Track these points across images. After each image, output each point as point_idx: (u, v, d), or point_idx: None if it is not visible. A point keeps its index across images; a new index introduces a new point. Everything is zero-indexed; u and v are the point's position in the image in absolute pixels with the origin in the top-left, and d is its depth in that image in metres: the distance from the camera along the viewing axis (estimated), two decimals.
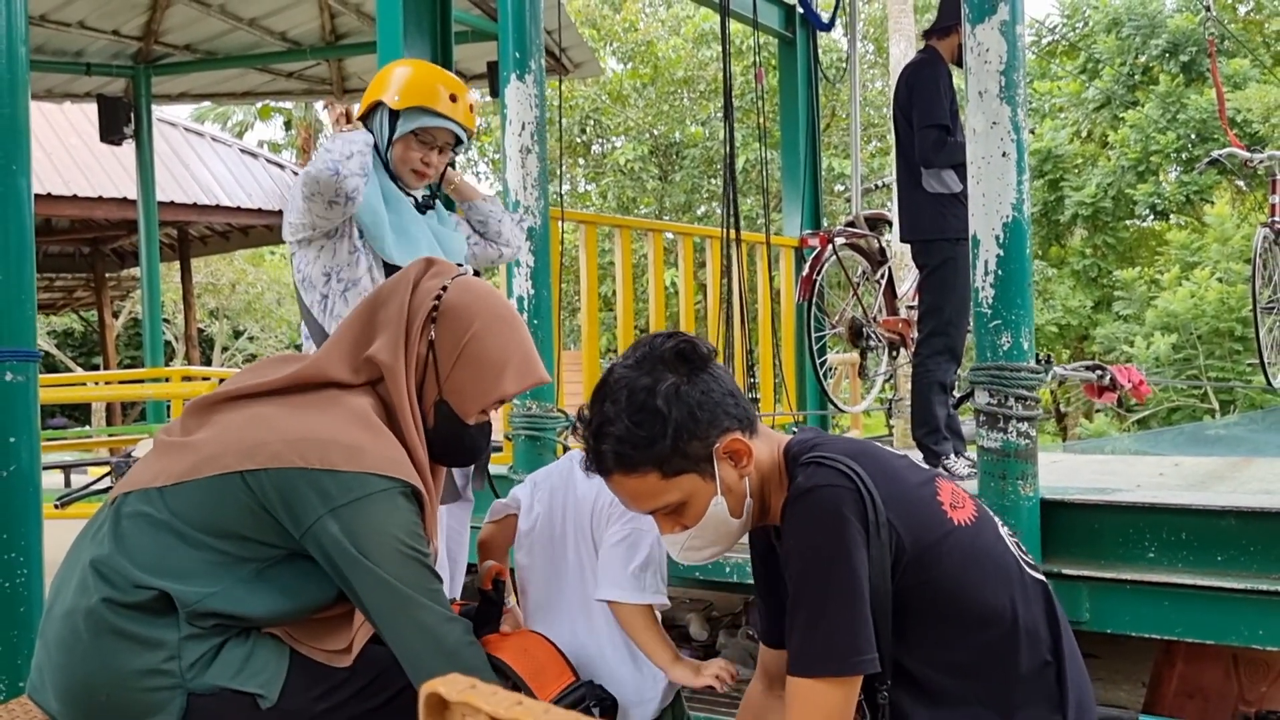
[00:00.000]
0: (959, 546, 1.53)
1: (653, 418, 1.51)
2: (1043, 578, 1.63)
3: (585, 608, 1.87)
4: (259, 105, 18.48)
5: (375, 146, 2.60)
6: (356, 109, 2.69)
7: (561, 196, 3.72)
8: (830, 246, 4.20)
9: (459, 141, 2.65)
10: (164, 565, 1.56)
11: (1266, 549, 2.12)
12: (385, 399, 1.71)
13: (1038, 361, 2.31)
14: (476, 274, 2.28)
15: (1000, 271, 2.25)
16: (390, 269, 2.56)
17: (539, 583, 1.93)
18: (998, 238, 2.24)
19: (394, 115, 2.57)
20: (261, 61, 7.23)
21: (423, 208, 2.67)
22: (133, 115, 7.16)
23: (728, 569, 2.73)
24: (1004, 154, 2.23)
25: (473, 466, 2.72)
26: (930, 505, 1.55)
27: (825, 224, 5.08)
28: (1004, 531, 1.63)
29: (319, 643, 1.67)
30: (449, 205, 2.80)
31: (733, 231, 3.84)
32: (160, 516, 1.58)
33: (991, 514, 1.65)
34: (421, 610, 1.58)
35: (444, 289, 1.75)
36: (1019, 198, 2.24)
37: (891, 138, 4.78)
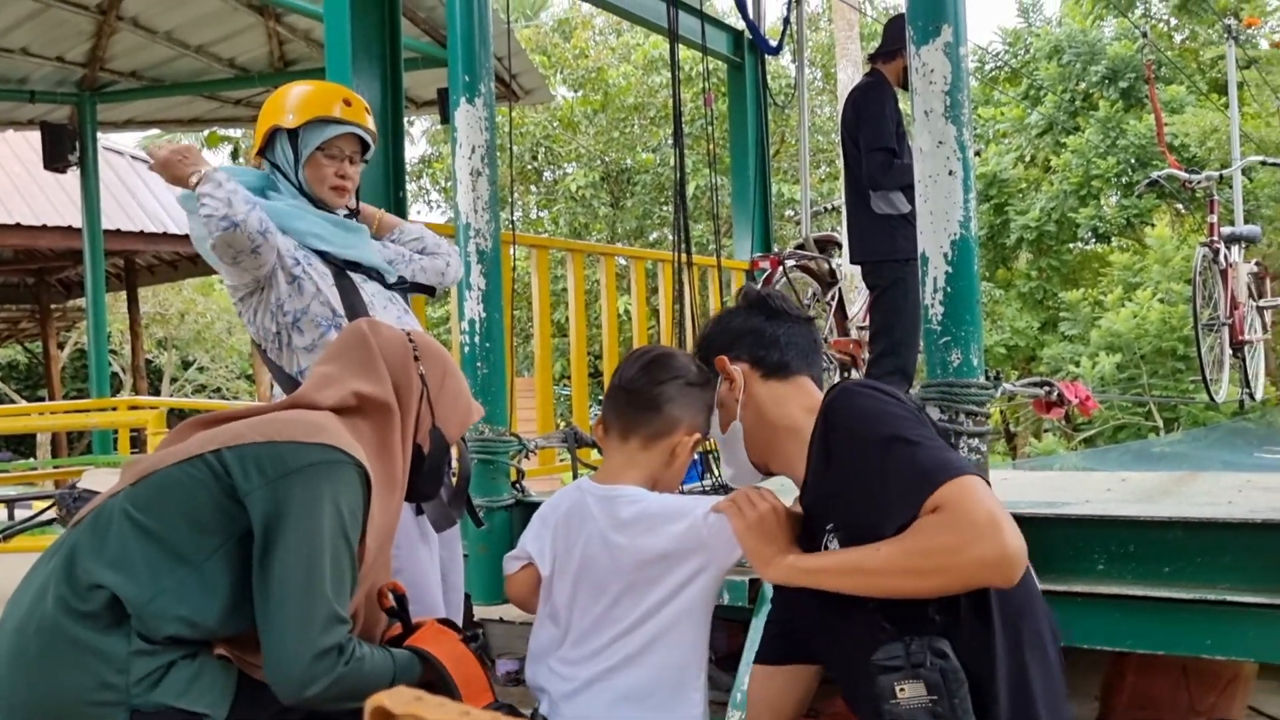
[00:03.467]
0: None
1: (701, 335, 1.93)
2: None
3: (631, 636, 1.78)
4: (206, 133, 18.30)
5: (285, 174, 2.58)
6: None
7: (514, 223, 3.72)
8: (781, 269, 4.24)
9: (366, 148, 2.64)
10: (121, 559, 1.58)
11: (1212, 559, 2.15)
12: (360, 428, 1.79)
13: (987, 378, 2.34)
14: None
15: (949, 289, 2.27)
16: (343, 281, 2.53)
17: (583, 618, 1.82)
18: (946, 255, 2.27)
19: (293, 137, 2.55)
20: (209, 88, 7.17)
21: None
22: (77, 143, 7.06)
23: None
24: (950, 172, 2.26)
25: (451, 492, 2.69)
26: None
27: (776, 247, 5.12)
28: None
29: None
30: None
31: (684, 255, 3.85)
32: (125, 509, 1.63)
33: None
34: (318, 601, 1.59)
35: (409, 336, 1.98)
36: (966, 215, 2.27)
37: (841, 162, 4.84)
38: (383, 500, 1.77)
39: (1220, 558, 2.13)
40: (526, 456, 3.13)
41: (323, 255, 2.57)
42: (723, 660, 2.89)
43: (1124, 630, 2.19)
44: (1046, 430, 13.77)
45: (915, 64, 2.31)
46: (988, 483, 1.50)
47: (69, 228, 9.07)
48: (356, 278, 2.61)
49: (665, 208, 15.54)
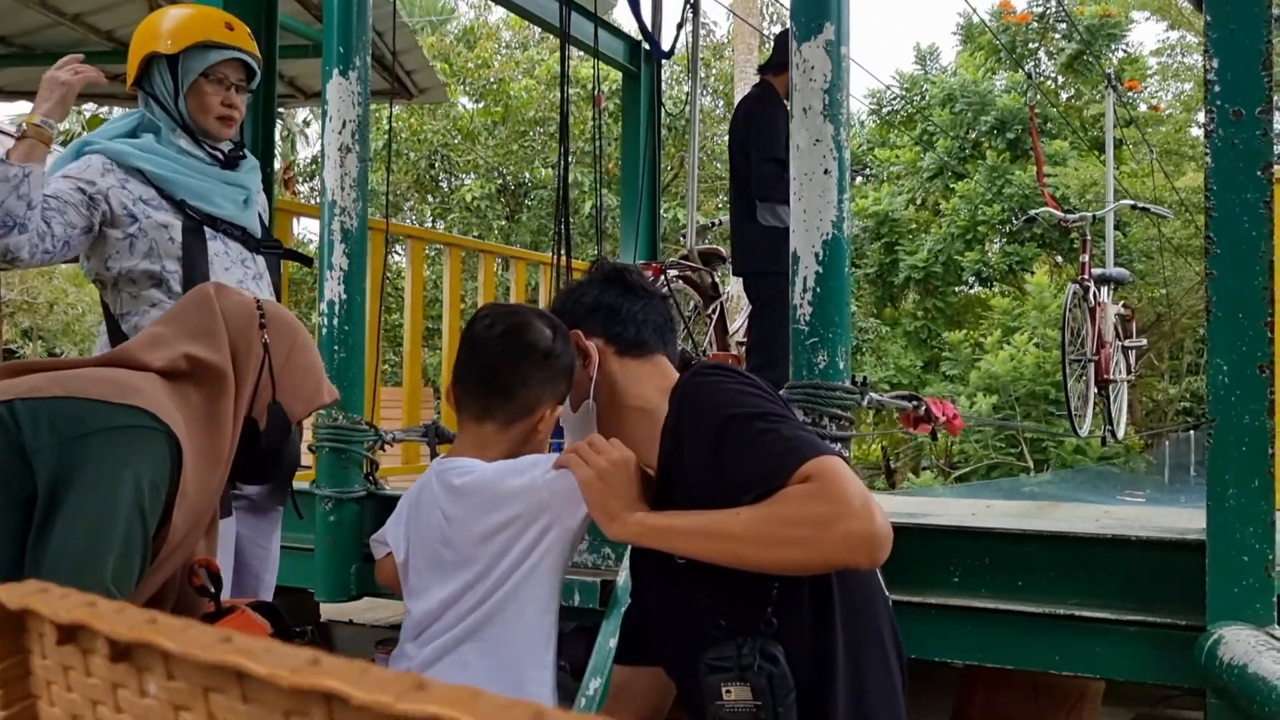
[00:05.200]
0: None
1: (553, 306, 1.83)
2: None
3: (479, 628, 1.65)
4: (88, 116, 17.61)
5: (162, 105, 2.44)
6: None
7: (388, 211, 3.59)
8: (662, 278, 4.18)
9: (251, 75, 2.52)
10: None
11: (1065, 574, 2.14)
12: (189, 394, 1.65)
13: (853, 383, 2.30)
14: None
15: (819, 289, 2.23)
16: (190, 237, 2.39)
17: (423, 604, 1.71)
18: (817, 255, 2.23)
19: (172, 64, 2.41)
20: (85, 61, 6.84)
21: (232, 161, 2.53)
22: None
23: None
24: (825, 171, 2.23)
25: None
26: None
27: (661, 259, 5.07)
28: None
29: None
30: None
31: (564, 258, 3.77)
32: None
33: None
34: (91, 582, 1.42)
35: (258, 303, 1.83)
36: (839, 215, 2.23)
37: None
38: (200, 474, 1.62)
39: (1072, 573, 2.13)
40: (383, 449, 3.00)
41: (181, 203, 2.42)
42: (579, 672, 2.80)
43: (975, 643, 2.17)
44: (925, 468, 14.06)
45: (796, 60, 2.27)
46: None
47: None
48: (211, 234, 2.46)
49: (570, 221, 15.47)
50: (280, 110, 15.49)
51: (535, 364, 1.69)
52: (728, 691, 1.38)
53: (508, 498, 1.61)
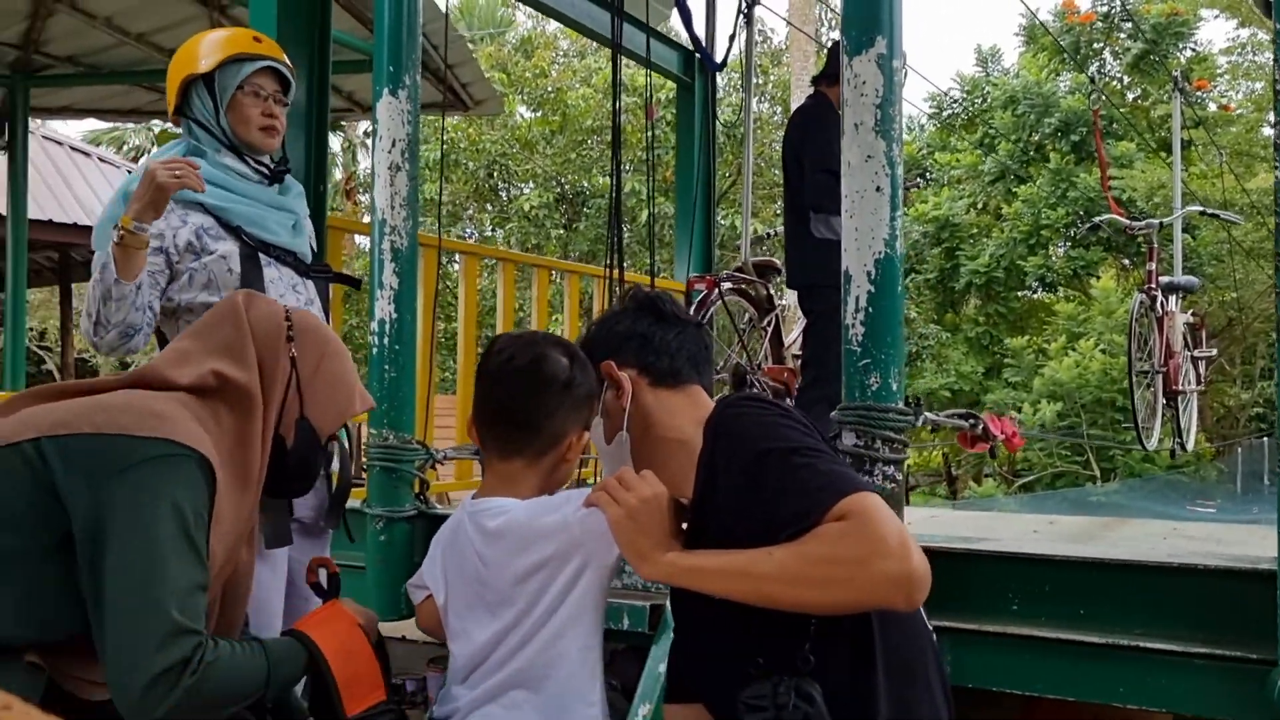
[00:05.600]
0: None
1: (586, 335, 1.79)
2: None
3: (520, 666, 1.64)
4: (158, 130, 18.02)
5: (205, 128, 2.48)
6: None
7: (440, 223, 3.60)
8: (716, 290, 4.14)
9: (287, 86, 2.56)
10: None
11: (1127, 602, 2.07)
12: (218, 413, 1.62)
13: (907, 404, 2.25)
14: None
15: (870, 309, 2.18)
16: (248, 265, 2.42)
17: (467, 647, 1.70)
18: (869, 274, 2.18)
19: (209, 84, 2.45)
20: (149, 79, 6.95)
21: (277, 175, 2.56)
22: (6, 126, 6.81)
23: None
24: (878, 188, 2.18)
25: (326, 503, 2.56)
26: None
27: (716, 270, 5.04)
28: None
29: (86, 672, 1.48)
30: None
31: (617, 270, 3.75)
32: None
33: None
34: (155, 616, 1.40)
35: (287, 312, 1.78)
36: (892, 234, 2.18)
37: None
38: (233, 498, 1.59)
39: (1136, 602, 2.05)
40: (434, 467, 3.00)
41: (237, 230, 2.45)
42: (631, 692, 2.77)
43: (1034, 673, 2.10)
44: (987, 475, 13.83)
45: (847, 75, 2.23)
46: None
47: (1, 216, 8.80)
48: (266, 260, 2.49)
49: (622, 229, 15.48)
50: (341, 124, 15.71)
51: (556, 395, 1.67)
52: None
53: (541, 537, 1.59)
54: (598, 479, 3.90)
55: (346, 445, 2.61)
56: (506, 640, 1.63)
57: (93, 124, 18.84)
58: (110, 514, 1.43)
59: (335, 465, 2.50)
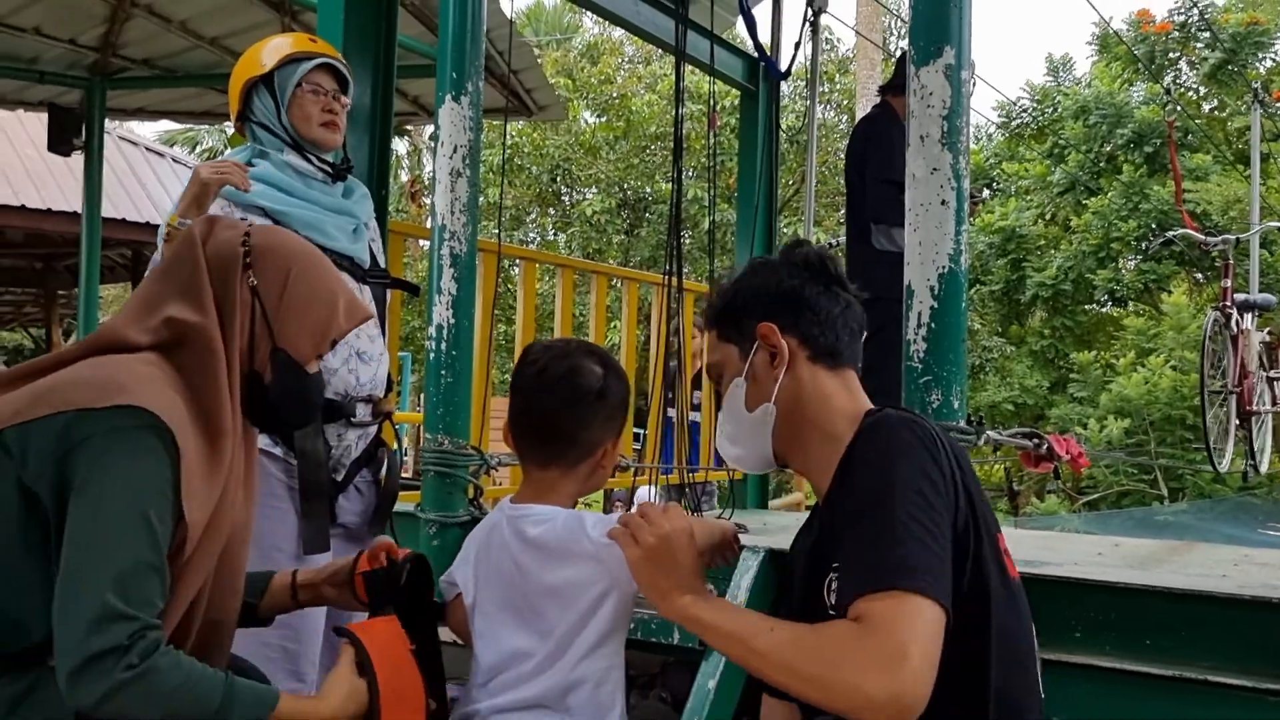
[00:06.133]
0: (1007, 598, 1.41)
1: (734, 281, 1.62)
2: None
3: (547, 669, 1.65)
4: (230, 132, 18.36)
5: (269, 129, 2.52)
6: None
7: (500, 230, 3.61)
8: None
9: (344, 84, 2.61)
10: None
11: (1199, 634, 1.99)
12: (183, 364, 1.52)
13: (969, 422, 2.20)
14: None
15: (933, 325, 2.14)
16: None
17: (492, 652, 1.70)
18: (932, 289, 2.14)
19: (269, 85, 2.49)
20: (221, 82, 7.07)
21: (339, 173, 2.59)
22: (84, 127, 6.98)
23: (652, 626, 2.58)
24: (944, 202, 2.14)
25: (372, 509, 2.56)
26: (995, 528, 1.45)
27: None
28: None
29: None
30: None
31: (675, 278, 3.72)
32: None
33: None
34: (88, 595, 1.33)
35: (247, 234, 1.63)
36: (957, 248, 2.14)
37: None
38: (202, 458, 1.47)
39: (1205, 634, 1.98)
40: (488, 473, 3.00)
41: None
42: (680, 704, 2.75)
43: (1096, 704, 2.04)
44: (1050, 491, 13.57)
45: (913, 86, 2.19)
46: (946, 607, 1.26)
47: (75, 214, 9.00)
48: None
49: (682, 238, 15.46)
50: (407, 128, 15.89)
51: (590, 406, 1.67)
52: None
53: (575, 555, 1.60)
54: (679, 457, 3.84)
55: (396, 451, 2.62)
56: (533, 656, 1.64)
57: (168, 125, 19.27)
58: (68, 492, 1.38)
59: (383, 471, 2.51)
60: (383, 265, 2.84)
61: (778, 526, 4.11)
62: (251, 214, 2.46)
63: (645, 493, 3.93)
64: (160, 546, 1.40)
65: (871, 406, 1.54)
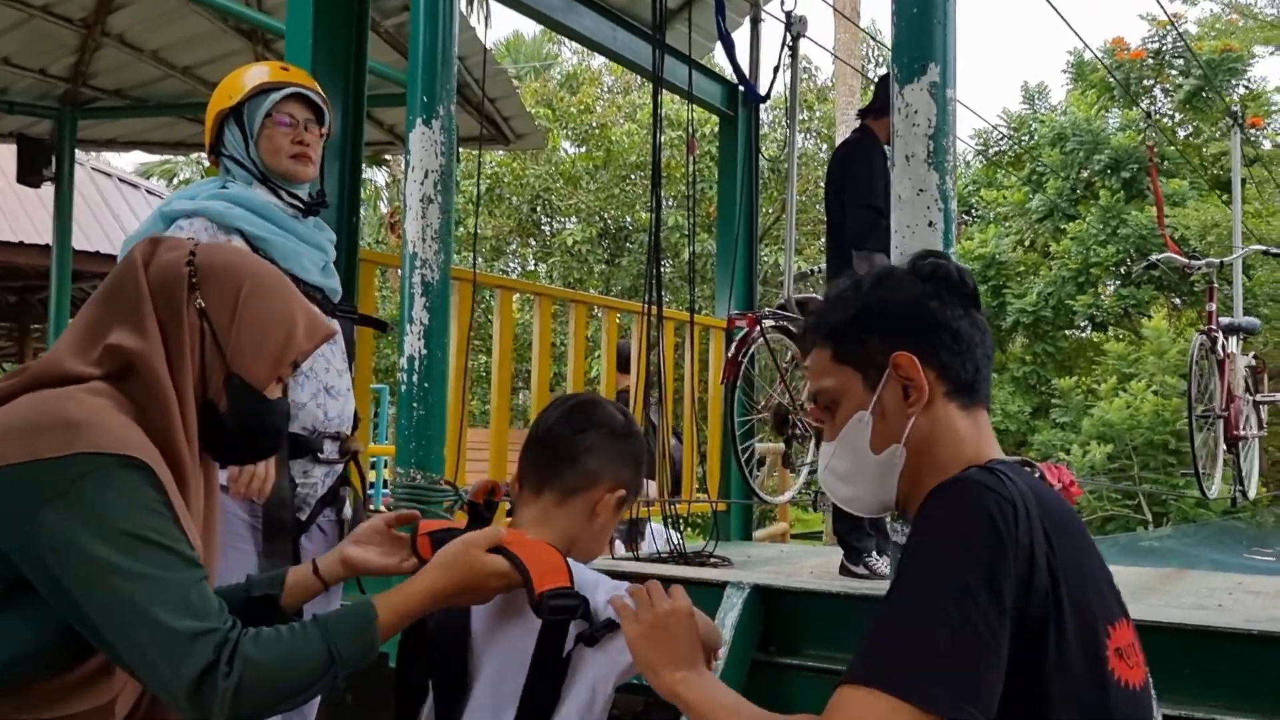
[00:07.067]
0: (1094, 699, 1.15)
1: (857, 292, 1.37)
2: None
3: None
4: (207, 164, 18.25)
5: (239, 163, 2.44)
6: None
7: (475, 258, 3.53)
8: (758, 328, 4.03)
9: (320, 114, 2.51)
10: None
11: (1203, 672, 1.91)
12: (133, 395, 1.41)
13: None
14: None
15: None
16: None
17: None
18: None
19: (238, 117, 2.41)
20: (192, 111, 7.00)
21: (311, 209, 2.50)
22: (54, 158, 6.87)
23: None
24: (930, 224, 2.07)
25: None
26: (1097, 620, 1.20)
27: (758, 308, 4.93)
28: None
29: (68, 707, 1.35)
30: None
31: (655, 307, 3.65)
32: None
33: (1155, 711, 1.29)
34: (155, 635, 1.26)
35: (192, 254, 1.51)
36: None
37: None
38: (176, 493, 1.38)
39: (1211, 671, 1.90)
40: (463, 509, 2.90)
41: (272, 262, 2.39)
42: None
43: None
44: None
45: (898, 105, 2.12)
46: (945, 713, 1.08)
47: (48, 246, 8.88)
48: None
49: (662, 268, 15.42)
50: (385, 158, 15.83)
51: (599, 435, 1.61)
52: None
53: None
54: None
55: (358, 491, 2.52)
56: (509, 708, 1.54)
57: (145, 156, 19.20)
58: (55, 555, 1.28)
59: (348, 512, 2.41)
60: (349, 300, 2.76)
61: (762, 559, 4.03)
62: (233, 238, 2.37)
63: (653, 529, 3.86)
64: (185, 552, 1.32)
65: (998, 457, 1.32)
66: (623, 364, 4.60)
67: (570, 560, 1.52)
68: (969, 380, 1.33)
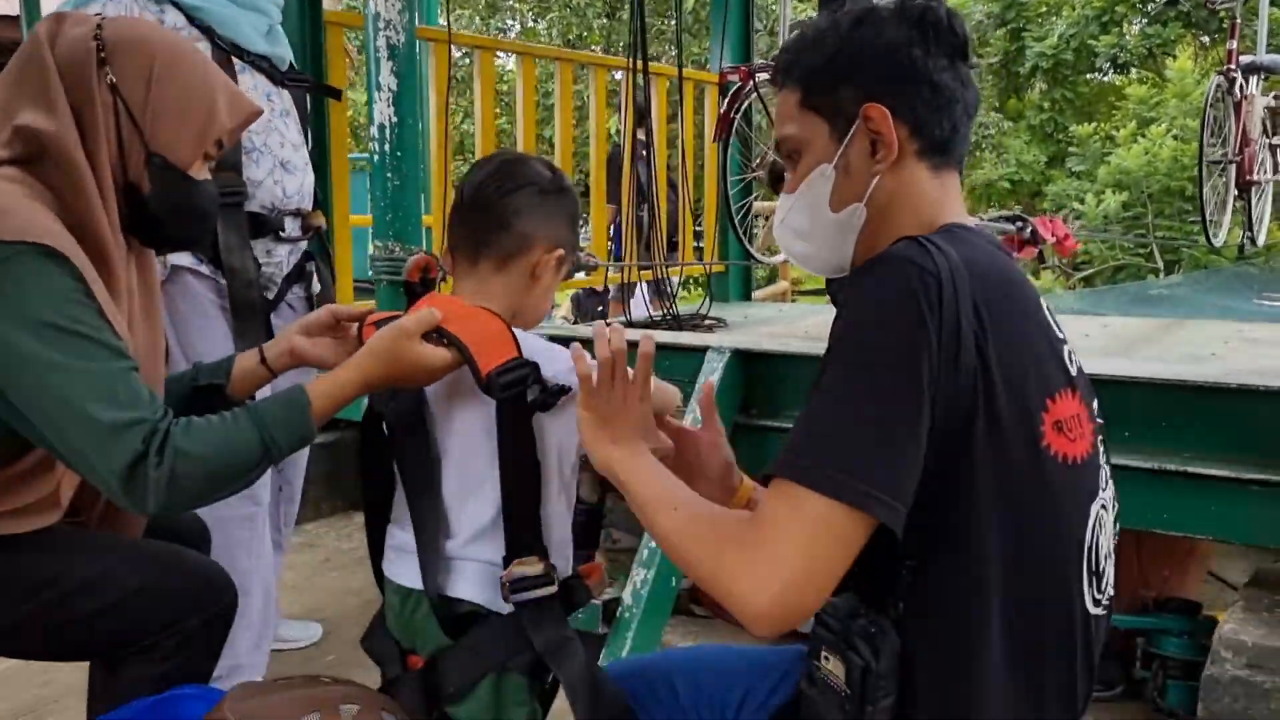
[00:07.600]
0: (1033, 472, 1.12)
1: (834, 32, 1.23)
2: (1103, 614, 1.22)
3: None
4: None
5: None
6: None
7: (449, 20, 3.35)
8: (752, 82, 3.86)
9: None
10: None
11: (1180, 425, 1.91)
12: (48, 179, 1.36)
13: None
14: None
15: None
16: (221, 66, 2.22)
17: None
18: None
19: None
20: None
21: None
22: None
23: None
24: None
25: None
26: (1032, 396, 1.13)
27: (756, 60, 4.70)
28: (1098, 518, 1.21)
29: (16, 499, 1.37)
30: None
31: (640, 61, 3.47)
32: None
33: (1105, 481, 1.25)
34: (83, 424, 1.24)
35: (99, 28, 1.42)
36: None
37: None
38: (96, 278, 1.34)
39: (1188, 424, 1.89)
40: (444, 279, 2.86)
41: (209, 31, 2.25)
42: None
43: None
44: (1045, 268, 13.47)
45: None
46: (866, 506, 1.03)
47: None
48: (240, 65, 2.29)
49: (666, 21, 14.78)
50: None
51: (526, 195, 1.53)
52: (826, 658, 1.16)
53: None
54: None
55: (326, 268, 2.48)
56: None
57: None
58: None
59: (316, 287, 2.37)
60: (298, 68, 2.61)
61: (759, 319, 4.01)
62: (167, 8, 2.23)
63: (644, 292, 3.80)
64: (110, 341, 1.29)
65: (955, 223, 1.23)
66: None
67: (516, 331, 1.48)
68: (943, 139, 1.23)
